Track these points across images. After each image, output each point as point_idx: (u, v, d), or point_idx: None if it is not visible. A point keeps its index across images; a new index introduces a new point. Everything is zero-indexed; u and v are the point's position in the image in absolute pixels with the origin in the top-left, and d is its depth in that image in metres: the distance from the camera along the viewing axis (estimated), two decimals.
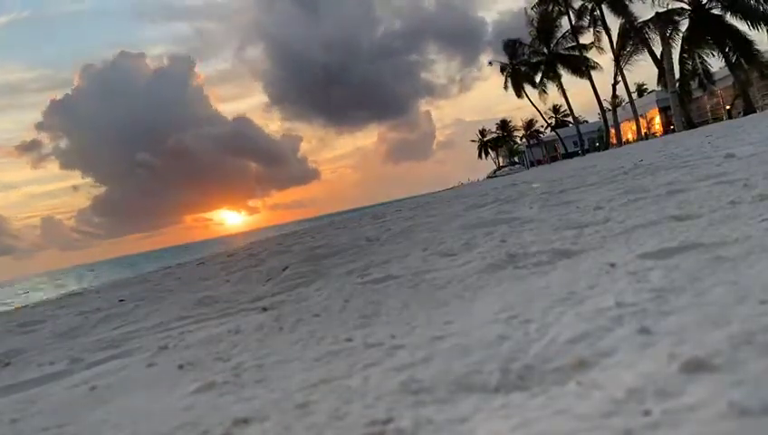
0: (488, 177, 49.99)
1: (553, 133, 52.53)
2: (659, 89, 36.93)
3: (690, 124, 31.28)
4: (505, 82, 43.93)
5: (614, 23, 34.97)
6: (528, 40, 41.21)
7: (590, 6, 35.43)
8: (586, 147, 42.29)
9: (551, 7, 37.89)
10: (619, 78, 35.37)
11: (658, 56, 32.47)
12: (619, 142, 37.97)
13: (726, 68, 30.13)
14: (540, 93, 42.25)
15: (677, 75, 31.31)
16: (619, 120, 39.62)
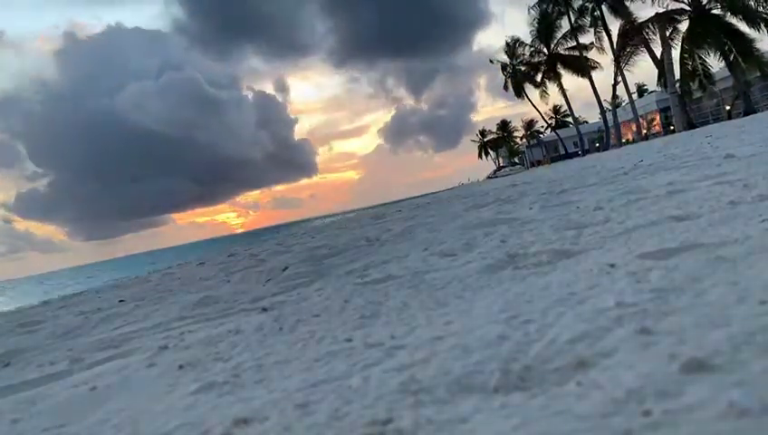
0: (488, 177, 50.04)
1: (553, 134, 52.53)
2: (659, 89, 36.93)
3: (690, 125, 31.27)
4: (505, 82, 43.99)
5: (614, 23, 35.00)
6: (529, 39, 41.26)
7: (590, 6, 35.41)
8: (586, 147, 42.27)
9: (551, 7, 37.87)
10: (619, 78, 35.35)
11: (658, 56, 32.47)
12: (620, 143, 37.96)
13: (726, 69, 30.12)
14: (541, 94, 42.29)
15: (677, 75, 31.30)
16: (619, 120, 39.62)
